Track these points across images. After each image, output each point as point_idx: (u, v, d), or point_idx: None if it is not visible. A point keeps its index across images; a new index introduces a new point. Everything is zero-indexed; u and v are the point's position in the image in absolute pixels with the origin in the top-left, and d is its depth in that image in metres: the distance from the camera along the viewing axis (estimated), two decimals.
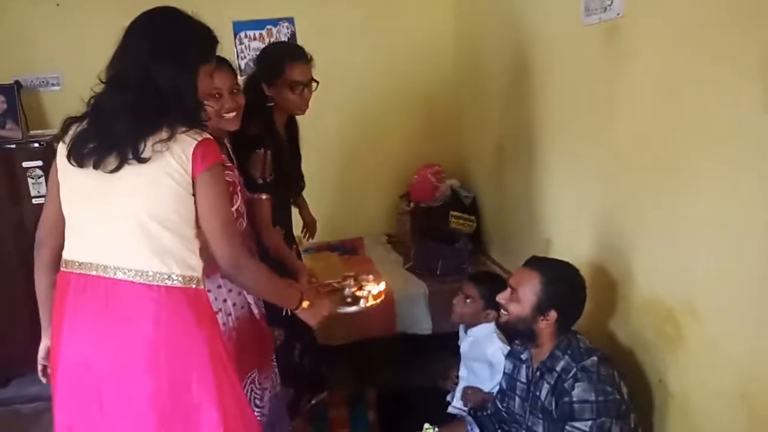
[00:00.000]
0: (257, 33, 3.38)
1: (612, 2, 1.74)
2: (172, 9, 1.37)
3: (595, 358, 1.56)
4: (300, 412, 2.39)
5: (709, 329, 1.49)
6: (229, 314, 1.76)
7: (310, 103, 2.07)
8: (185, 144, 1.28)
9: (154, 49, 1.30)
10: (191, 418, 1.32)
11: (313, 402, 2.47)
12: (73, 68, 3.19)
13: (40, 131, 3.00)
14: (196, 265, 1.35)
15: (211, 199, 1.32)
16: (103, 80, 1.32)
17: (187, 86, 1.32)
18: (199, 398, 1.32)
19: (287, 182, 2.10)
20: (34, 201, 2.82)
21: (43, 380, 1.52)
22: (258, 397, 1.87)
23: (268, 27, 3.40)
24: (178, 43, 1.33)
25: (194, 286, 1.34)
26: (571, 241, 2.19)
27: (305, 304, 1.61)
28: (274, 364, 1.98)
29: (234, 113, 1.74)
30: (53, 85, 3.32)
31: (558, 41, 2.17)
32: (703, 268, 1.49)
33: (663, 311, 1.65)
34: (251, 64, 2.12)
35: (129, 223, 1.29)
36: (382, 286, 1.87)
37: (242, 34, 3.37)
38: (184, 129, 1.29)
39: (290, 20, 3.39)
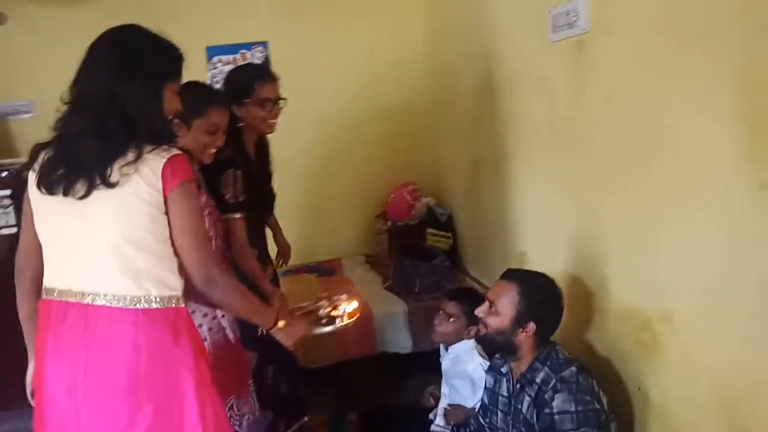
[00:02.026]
0: (231, 57, 3.38)
1: (578, 18, 1.79)
2: (136, 27, 1.35)
3: (573, 369, 1.56)
4: None
5: (686, 338, 1.51)
6: (205, 339, 1.73)
7: (282, 123, 2.11)
8: (153, 163, 1.27)
9: (118, 68, 1.28)
10: None
11: (294, 428, 2.42)
12: (45, 96, 3.12)
13: (9, 160, 2.94)
14: (174, 284, 1.33)
15: (182, 215, 1.31)
16: (66, 101, 1.31)
17: (152, 105, 1.30)
18: (181, 417, 1.31)
19: (259, 202, 2.10)
20: (3, 231, 2.75)
21: (32, 403, 1.48)
22: (237, 423, 1.83)
23: (242, 51, 3.41)
24: (141, 62, 1.31)
25: (173, 305, 1.33)
26: (546, 254, 2.21)
27: (281, 323, 1.60)
28: (252, 388, 1.94)
29: (215, 149, 1.78)
30: (24, 113, 3.27)
31: (527, 57, 2.21)
32: (678, 278, 1.51)
33: (639, 321, 1.66)
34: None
35: (103, 248, 1.28)
36: (355, 304, 1.88)
37: (215, 59, 3.37)
38: (150, 148, 1.27)
39: (264, 44, 3.41)
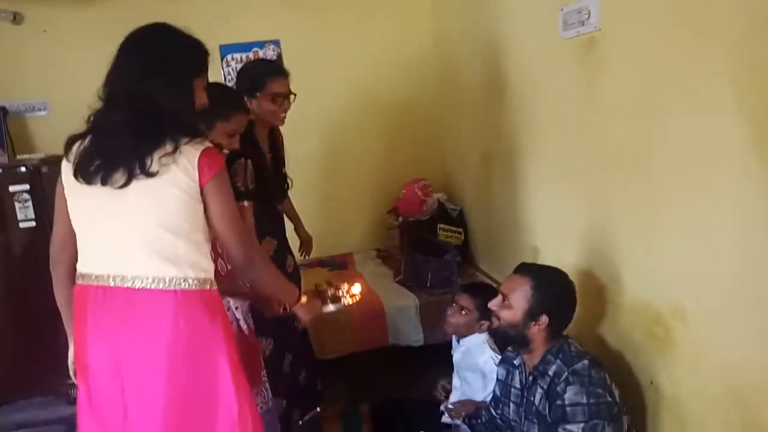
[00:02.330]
0: (244, 56, 3.41)
1: (589, 16, 1.80)
2: (164, 25, 1.41)
3: (586, 362, 1.58)
4: (292, 429, 2.38)
5: (698, 331, 1.52)
6: None
7: (294, 120, 2.19)
8: (190, 155, 1.33)
9: (149, 65, 1.34)
10: (212, 417, 1.37)
11: (306, 418, 2.46)
12: (59, 94, 3.20)
13: (26, 156, 3.00)
14: (207, 267, 1.41)
15: (220, 203, 1.37)
16: (101, 97, 1.36)
17: (184, 100, 1.37)
18: (216, 395, 1.38)
19: (270, 192, 2.17)
20: (22, 225, 2.80)
21: (76, 382, 1.54)
22: None
23: (255, 49, 3.44)
24: (171, 59, 1.37)
25: (208, 287, 1.39)
26: (558, 249, 2.22)
27: (303, 299, 1.71)
28: (265, 379, 1.98)
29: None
30: (39, 110, 3.33)
31: (537, 54, 2.23)
32: (690, 272, 1.52)
33: (651, 314, 1.68)
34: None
35: (142, 235, 1.33)
36: (358, 286, 1.97)
37: (229, 57, 3.40)
38: (186, 140, 1.33)
39: (276, 42, 3.44)
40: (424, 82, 3.60)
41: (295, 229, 2.56)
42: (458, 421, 2.00)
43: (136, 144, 1.30)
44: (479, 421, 1.90)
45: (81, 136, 1.37)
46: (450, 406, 2.07)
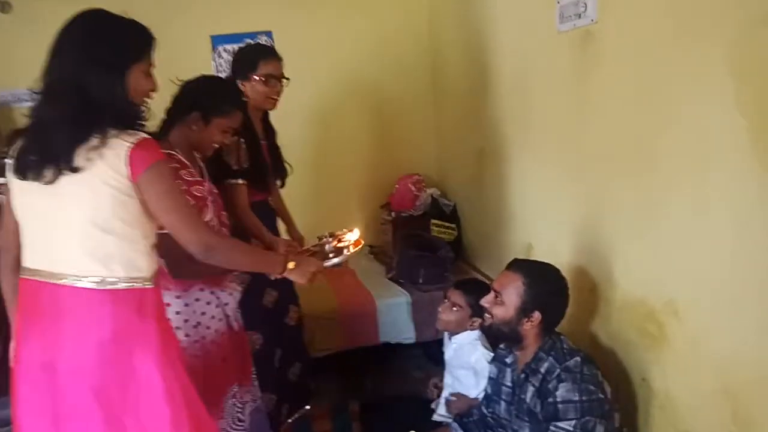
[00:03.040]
0: (236, 47, 3.35)
1: (586, 9, 1.78)
2: (98, 11, 1.35)
3: (578, 359, 1.57)
4: (282, 426, 2.35)
5: (691, 327, 1.51)
6: (208, 327, 1.75)
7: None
8: (118, 148, 1.28)
9: (81, 54, 1.30)
10: (140, 413, 1.34)
11: (296, 416, 2.44)
12: None
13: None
14: (142, 265, 1.36)
15: (160, 195, 1.33)
16: (37, 91, 1.33)
17: (117, 89, 1.31)
18: (147, 400, 1.34)
19: (263, 174, 2.18)
20: None
21: None
22: (240, 411, 1.84)
23: (247, 40, 3.39)
24: (102, 46, 1.31)
25: (140, 286, 1.35)
26: (551, 245, 2.20)
27: (291, 264, 1.61)
28: (254, 376, 1.95)
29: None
30: (28, 101, 3.27)
31: (533, 47, 2.20)
32: (683, 268, 1.51)
33: (644, 311, 1.66)
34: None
35: (72, 231, 1.31)
36: (357, 232, 1.89)
37: (221, 48, 3.36)
38: (115, 133, 1.28)
39: (268, 34, 3.40)
40: (419, 75, 3.57)
41: (288, 230, 2.53)
42: (449, 420, 1.98)
43: (64, 138, 1.27)
44: (471, 419, 1.88)
45: (21, 132, 1.35)
46: (452, 398, 2.05)
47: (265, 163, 2.20)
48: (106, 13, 1.36)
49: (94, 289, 1.31)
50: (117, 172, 1.28)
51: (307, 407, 2.49)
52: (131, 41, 1.36)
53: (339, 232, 1.89)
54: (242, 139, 2.00)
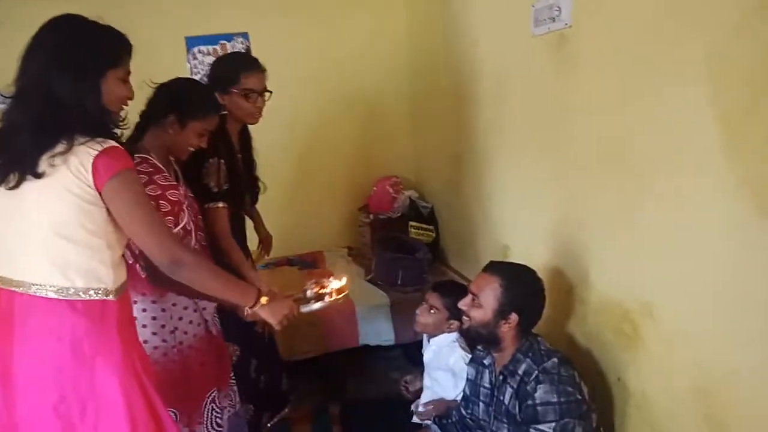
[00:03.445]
0: (211, 48, 3.33)
1: (560, 13, 1.79)
2: (72, 16, 1.33)
3: (555, 360, 1.58)
4: (262, 430, 2.34)
5: (665, 328, 1.53)
6: (186, 332, 1.73)
7: (264, 115, 2.08)
8: (83, 156, 1.25)
9: (53, 59, 1.28)
10: (99, 428, 1.31)
11: (275, 420, 2.42)
12: None
13: None
14: (105, 276, 1.33)
15: (124, 205, 1.30)
16: (7, 95, 1.30)
17: (88, 95, 1.29)
18: (106, 413, 1.31)
19: (240, 192, 2.09)
20: None
21: None
22: (218, 416, 1.83)
23: (222, 42, 3.36)
24: (75, 51, 1.29)
25: (101, 297, 1.32)
26: (528, 247, 2.22)
27: (263, 299, 1.56)
28: (233, 382, 1.94)
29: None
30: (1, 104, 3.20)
31: (509, 51, 2.22)
32: (658, 269, 1.53)
33: (620, 312, 1.68)
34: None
35: (32, 238, 1.28)
36: (344, 281, 1.83)
37: (195, 50, 3.32)
38: (83, 140, 1.26)
39: (245, 35, 3.37)
40: (396, 77, 3.57)
41: (255, 226, 2.45)
42: (428, 422, 1.99)
43: (33, 142, 1.25)
44: (449, 420, 1.89)
45: None
46: (421, 410, 2.06)
47: (241, 181, 2.08)
48: (82, 18, 1.33)
49: (53, 298, 1.28)
50: (81, 179, 1.25)
51: (286, 410, 2.47)
52: (107, 47, 1.34)
53: (324, 280, 1.84)
54: (221, 160, 1.90)
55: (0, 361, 1.30)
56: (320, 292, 1.77)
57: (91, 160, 1.25)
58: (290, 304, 1.65)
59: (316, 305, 1.75)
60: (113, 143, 1.30)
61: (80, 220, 1.27)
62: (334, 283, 1.80)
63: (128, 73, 1.39)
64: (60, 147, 1.24)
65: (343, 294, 1.81)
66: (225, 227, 1.91)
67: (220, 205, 1.89)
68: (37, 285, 1.28)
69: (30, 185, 1.25)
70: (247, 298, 1.55)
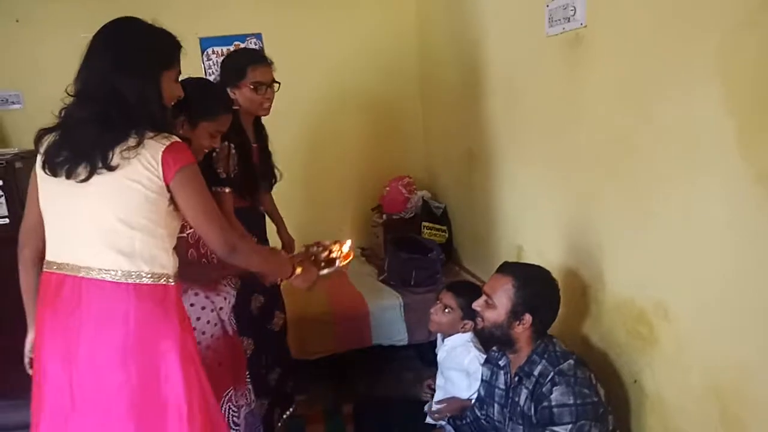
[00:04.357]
0: (225, 49, 3.36)
1: (575, 13, 1.79)
2: (131, 19, 1.41)
3: (571, 361, 1.57)
4: (275, 430, 2.35)
5: (681, 328, 1.52)
6: (203, 332, 1.75)
7: (276, 115, 2.17)
8: (153, 149, 1.32)
9: (116, 60, 1.34)
10: (160, 411, 1.36)
11: (284, 417, 2.44)
12: (33, 87, 3.13)
13: (0, 150, 2.91)
14: (166, 263, 1.39)
15: (188, 197, 1.37)
16: (71, 93, 1.36)
17: (151, 94, 1.36)
18: (167, 392, 1.36)
19: (254, 180, 2.15)
20: None
21: (29, 372, 1.53)
22: (235, 415, 1.84)
23: (236, 43, 3.39)
24: (138, 53, 1.37)
25: (164, 282, 1.38)
26: (541, 247, 2.22)
27: (298, 270, 1.69)
28: (248, 380, 1.95)
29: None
30: (14, 103, 3.25)
31: (522, 51, 2.21)
32: (672, 269, 1.52)
33: (635, 312, 1.68)
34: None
35: (100, 227, 1.33)
36: (349, 243, 1.92)
37: (210, 50, 3.35)
38: (151, 135, 1.33)
39: (258, 36, 3.39)
40: (408, 77, 3.58)
41: (278, 231, 2.52)
42: (442, 422, 1.99)
43: (100, 138, 1.31)
44: (464, 421, 1.89)
45: (51, 130, 1.38)
46: (434, 409, 2.06)
47: (255, 171, 2.17)
48: (137, 20, 1.41)
49: (119, 282, 1.33)
50: (151, 171, 1.32)
51: (291, 410, 2.48)
52: (163, 48, 1.42)
53: (327, 242, 1.91)
54: (232, 145, 1.97)
55: (66, 343, 1.34)
56: (330, 256, 1.87)
57: (161, 154, 1.32)
58: (315, 270, 1.79)
59: (328, 270, 1.85)
60: (178, 139, 1.37)
61: (146, 209, 1.34)
62: (341, 247, 1.89)
63: (179, 72, 1.47)
64: (131, 141, 1.30)
65: (350, 258, 1.90)
66: (229, 209, 1.97)
67: (226, 190, 1.94)
68: (103, 269, 1.33)
69: (99, 178, 1.31)
70: (287, 271, 1.69)
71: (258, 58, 2.15)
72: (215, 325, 1.77)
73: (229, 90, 2.05)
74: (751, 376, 1.31)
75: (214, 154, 1.91)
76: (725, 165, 1.29)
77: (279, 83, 2.15)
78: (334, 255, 1.87)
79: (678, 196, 1.46)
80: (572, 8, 1.79)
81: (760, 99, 1.20)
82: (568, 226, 2.02)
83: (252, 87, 2.08)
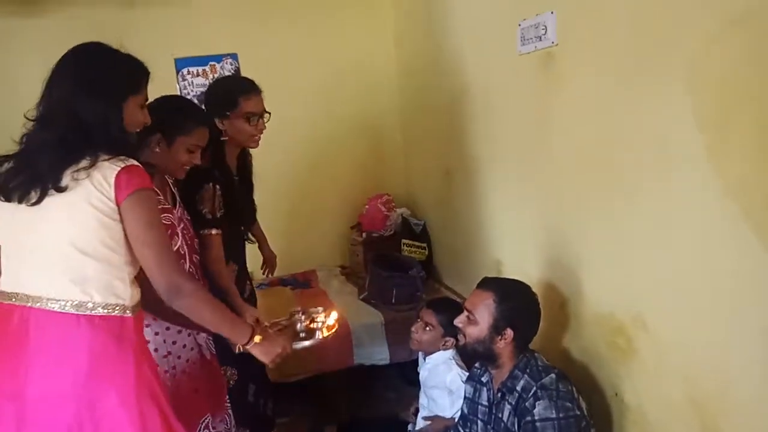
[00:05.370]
0: (200, 69, 3.35)
1: (546, 32, 1.82)
2: (96, 44, 1.39)
3: (553, 376, 1.58)
4: None
5: (658, 340, 1.54)
6: (179, 357, 1.71)
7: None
8: (107, 171, 1.29)
9: (78, 84, 1.32)
10: None
11: None
12: (4, 104, 3.06)
13: None
14: (122, 293, 1.34)
15: (137, 224, 1.31)
16: (30, 118, 1.34)
17: (112, 118, 1.33)
18: (118, 422, 1.30)
19: (239, 216, 2.08)
20: None
21: None
22: None
23: (211, 63, 3.38)
24: (100, 76, 1.34)
25: (118, 314, 1.32)
26: (520, 262, 2.23)
27: (257, 338, 1.54)
28: (228, 405, 1.91)
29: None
30: None
31: (497, 70, 2.25)
32: (649, 281, 1.54)
33: (614, 325, 1.69)
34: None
35: (51, 252, 1.30)
36: (335, 315, 1.83)
37: (185, 71, 3.33)
38: (106, 157, 1.30)
39: (234, 56, 3.38)
40: (387, 96, 3.59)
41: (259, 246, 2.47)
42: None
43: (55, 158, 1.28)
44: None
45: (8, 157, 1.35)
46: (418, 427, 2.04)
47: (238, 204, 2.06)
48: (103, 45, 1.38)
49: (71, 313, 1.28)
50: (103, 193, 1.28)
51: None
52: (129, 74, 1.39)
53: (313, 311, 1.84)
54: (218, 186, 1.89)
55: (12, 378, 1.28)
56: (311, 326, 1.76)
57: (114, 175, 1.28)
58: (282, 342, 1.61)
59: (308, 342, 1.74)
60: (135, 162, 1.33)
61: (100, 234, 1.29)
62: (325, 318, 1.80)
63: (146, 99, 1.44)
64: (84, 162, 1.28)
65: (333, 330, 1.81)
66: (218, 254, 1.89)
67: (214, 232, 1.88)
68: (54, 300, 1.28)
69: (51, 200, 1.27)
70: (241, 336, 1.52)
71: (250, 87, 2.02)
72: (191, 349, 1.74)
73: (217, 121, 1.94)
74: (729, 384, 1.33)
75: (198, 195, 1.85)
76: (697, 176, 1.32)
77: (269, 113, 2.05)
78: (314, 325, 1.75)
79: (652, 209, 1.48)
80: (543, 27, 1.83)
81: (726, 113, 1.23)
82: (545, 240, 2.04)
83: (245, 118, 1.97)
